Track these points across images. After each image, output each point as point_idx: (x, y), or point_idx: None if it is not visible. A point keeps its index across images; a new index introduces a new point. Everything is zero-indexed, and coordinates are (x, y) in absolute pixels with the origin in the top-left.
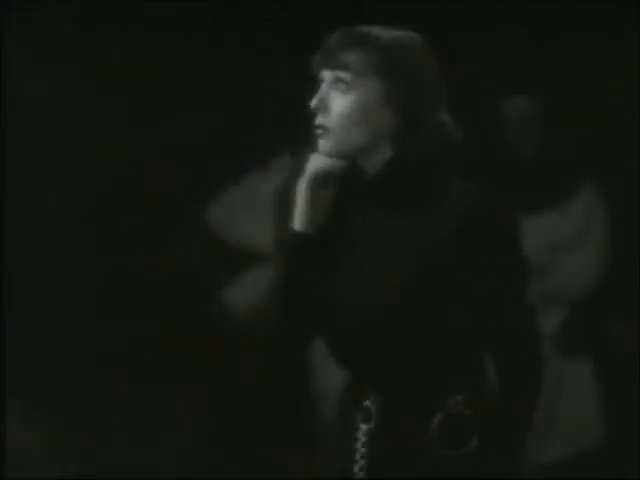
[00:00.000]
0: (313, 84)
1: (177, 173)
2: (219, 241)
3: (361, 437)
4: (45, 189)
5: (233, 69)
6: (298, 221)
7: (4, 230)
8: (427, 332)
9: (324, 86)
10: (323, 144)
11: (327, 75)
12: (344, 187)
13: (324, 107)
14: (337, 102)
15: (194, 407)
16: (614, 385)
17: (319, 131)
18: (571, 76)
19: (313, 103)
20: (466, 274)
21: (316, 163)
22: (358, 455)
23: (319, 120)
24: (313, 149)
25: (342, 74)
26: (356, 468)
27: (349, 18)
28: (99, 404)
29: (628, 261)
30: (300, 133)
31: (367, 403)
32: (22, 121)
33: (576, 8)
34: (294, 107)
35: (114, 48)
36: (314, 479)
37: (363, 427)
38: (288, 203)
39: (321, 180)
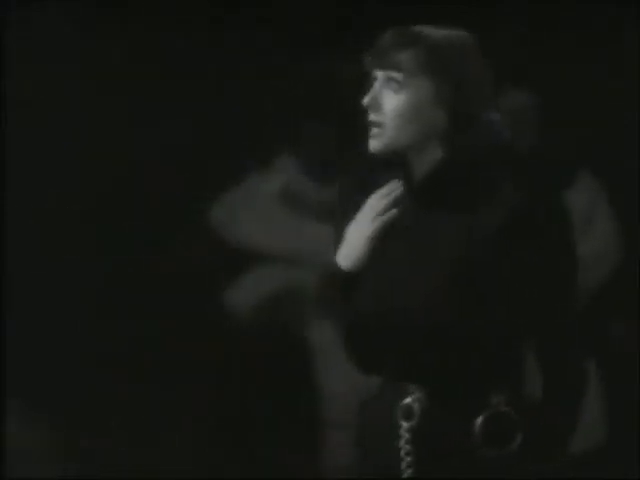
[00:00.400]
0: (314, 84)
1: (177, 173)
2: (220, 242)
3: (404, 434)
4: (45, 189)
5: (233, 69)
6: (347, 260)
7: (4, 230)
8: (472, 330)
9: (377, 85)
10: (375, 142)
11: (379, 74)
12: (395, 189)
13: (377, 105)
14: (389, 100)
15: (194, 407)
16: (614, 385)
17: (372, 129)
18: (571, 76)
19: (366, 101)
20: (513, 273)
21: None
22: (403, 453)
23: (372, 117)
24: (365, 148)
25: (394, 74)
26: (403, 465)
27: (349, 18)
28: (99, 404)
29: (628, 261)
30: (300, 133)
31: (409, 400)
32: (22, 121)
33: (576, 8)
34: (294, 107)
35: (114, 48)
36: (315, 479)
37: (405, 425)
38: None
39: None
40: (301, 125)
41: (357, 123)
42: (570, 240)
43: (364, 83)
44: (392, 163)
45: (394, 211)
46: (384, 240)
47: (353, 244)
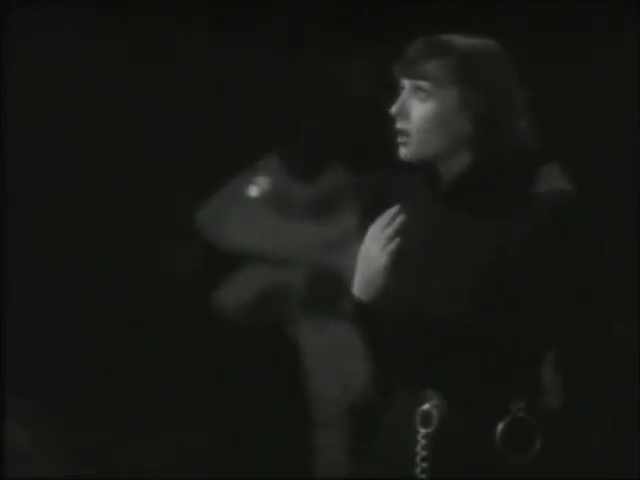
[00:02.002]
0: (299, 85)
1: (167, 174)
2: (207, 242)
3: (420, 440)
4: (45, 189)
5: (220, 70)
6: (366, 294)
7: (4, 230)
8: (492, 335)
9: (404, 93)
10: (404, 150)
11: (407, 83)
12: (424, 194)
13: (404, 113)
14: (417, 109)
15: (181, 407)
16: (615, 385)
17: (400, 138)
18: (571, 76)
19: (394, 109)
20: (539, 278)
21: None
22: (418, 458)
23: (400, 125)
24: (395, 156)
25: (421, 83)
26: (417, 470)
27: (349, 18)
28: (99, 404)
29: (628, 262)
30: (287, 134)
31: (427, 407)
32: (22, 121)
33: (576, 8)
34: (279, 108)
35: (114, 48)
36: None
37: (422, 431)
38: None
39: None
40: (286, 126)
41: (342, 123)
42: (597, 243)
43: (349, 83)
44: (418, 169)
45: (403, 239)
46: (410, 243)
47: (369, 278)
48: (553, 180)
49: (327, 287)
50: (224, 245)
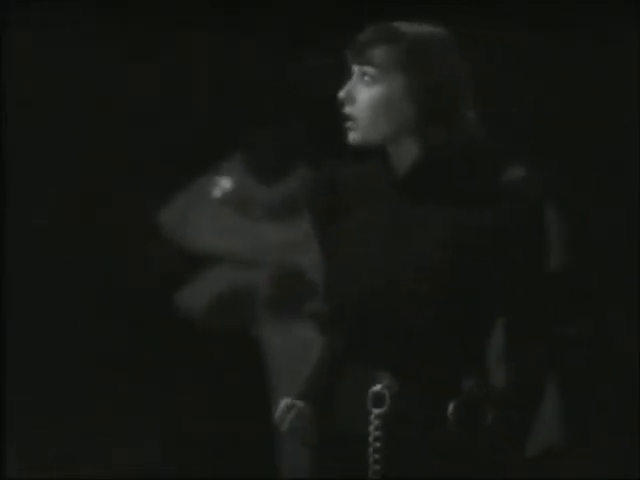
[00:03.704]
0: (262, 86)
1: (166, 174)
2: (170, 243)
3: (373, 421)
4: (45, 189)
5: (185, 71)
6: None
7: (4, 230)
8: (444, 318)
9: (353, 79)
10: (352, 134)
11: (356, 69)
12: (375, 188)
13: (351, 98)
14: (362, 94)
15: (145, 407)
16: (614, 385)
17: (347, 122)
18: (571, 76)
19: (341, 94)
20: (488, 263)
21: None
22: (371, 439)
23: (347, 110)
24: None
25: (367, 68)
26: (371, 450)
27: (349, 18)
28: (99, 403)
29: (628, 261)
30: (250, 135)
31: (379, 387)
32: (22, 121)
33: (576, 8)
34: (242, 109)
35: (114, 48)
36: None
37: (375, 411)
38: None
39: None
40: (248, 127)
41: (307, 123)
42: (542, 232)
43: (310, 84)
44: (371, 157)
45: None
46: (363, 230)
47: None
48: (512, 172)
49: (291, 287)
50: (188, 245)
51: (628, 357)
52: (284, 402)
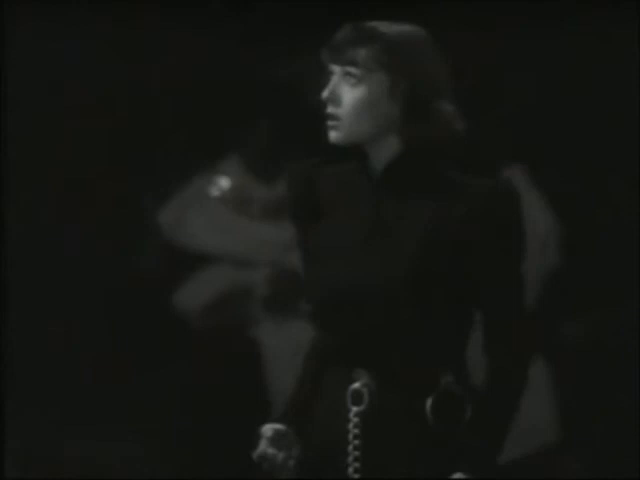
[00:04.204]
0: (261, 85)
1: (167, 173)
2: (169, 242)
3: (352, 419)
4: (45, 189)
5: (182, 69)
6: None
7: (4, 230)
8: (422, 314)
9: (335, 79)
10: (334, 134)
11: (337, 69)
12: (354, 185)
13: (335, 99)
14: (347, 94)
15: (142, 407)
16: (615, 385)
17: (331, 122)
18: (571, 76)
19: (325, 95)
20: (468, 258)
21: None
22: (351, 436)
23: (330, 110)
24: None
25: (351, 69)
26: (350, 447)
27: (347, 17)
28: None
29: (628, 261)
30: (246, 134)
31: (357, 385)
32: (22, 121)
33: (576, 8)
34: (241, 108)
35: (114, 48)
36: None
37: (354, 409)
38: None
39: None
40: (248, 126)
41: (303, 123)
42: (520, 229)
43: (308, 83)
44: (349, 155)
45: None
46: (341, 229)
47: None
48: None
49: (288, 287)
50: (186, 245)
51: (628, 357)
52: (264, 444)
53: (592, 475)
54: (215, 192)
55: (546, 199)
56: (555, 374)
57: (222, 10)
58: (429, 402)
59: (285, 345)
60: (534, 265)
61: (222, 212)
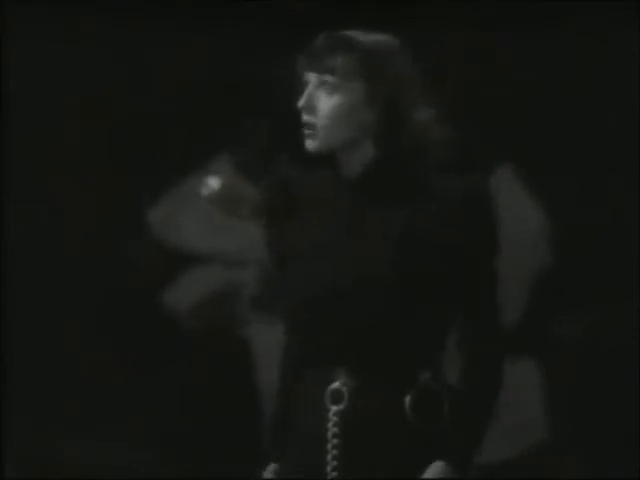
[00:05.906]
0: (250, 85)
1: (166, 173)
2: (158, 242)
3: (332, 418)
4: (45, 189)
5: (172, 68)
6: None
7: (4, 230)
8: (400, 313)
9: (310, 87)
10: (311, 142)
11: (313, 77)
12: (328, 191)
13: (311, 107)
14: (323, 102)
15: (131, 406)
16: (611, 385)
17: (307, 130)
18: (571, 76)
19: (300, 103)
20: (443, 259)
21: None
22: (330, 435)
23: (305, 119)
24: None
25: (328, 77)
26: (329, 446)
27: (347, 17)
28: (98, 403)
29: (628, 261)
30: (238, 134)
31: (337, 385)
32: (22, 121)
33: (576, 8)
34: (231, 107)
35: (114, 48)
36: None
37: (333, 408)
38: None
39: None
40: (237, 126)
41: (290, 124)
42: (491, 227)
43: (296, 85)
44: (323, 161)
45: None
46: (318, 232)
47: None
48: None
49: (279, 287)
50: (176, 245)
51: (624, 357)
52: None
53: (588, 475)
54: (206, 192)
55: (545, 199)
56: (549, 374)
57: (223, 8)
58: (408, 399)
59: (275, 345)
60: (526, 264)
61: (212, 212)
